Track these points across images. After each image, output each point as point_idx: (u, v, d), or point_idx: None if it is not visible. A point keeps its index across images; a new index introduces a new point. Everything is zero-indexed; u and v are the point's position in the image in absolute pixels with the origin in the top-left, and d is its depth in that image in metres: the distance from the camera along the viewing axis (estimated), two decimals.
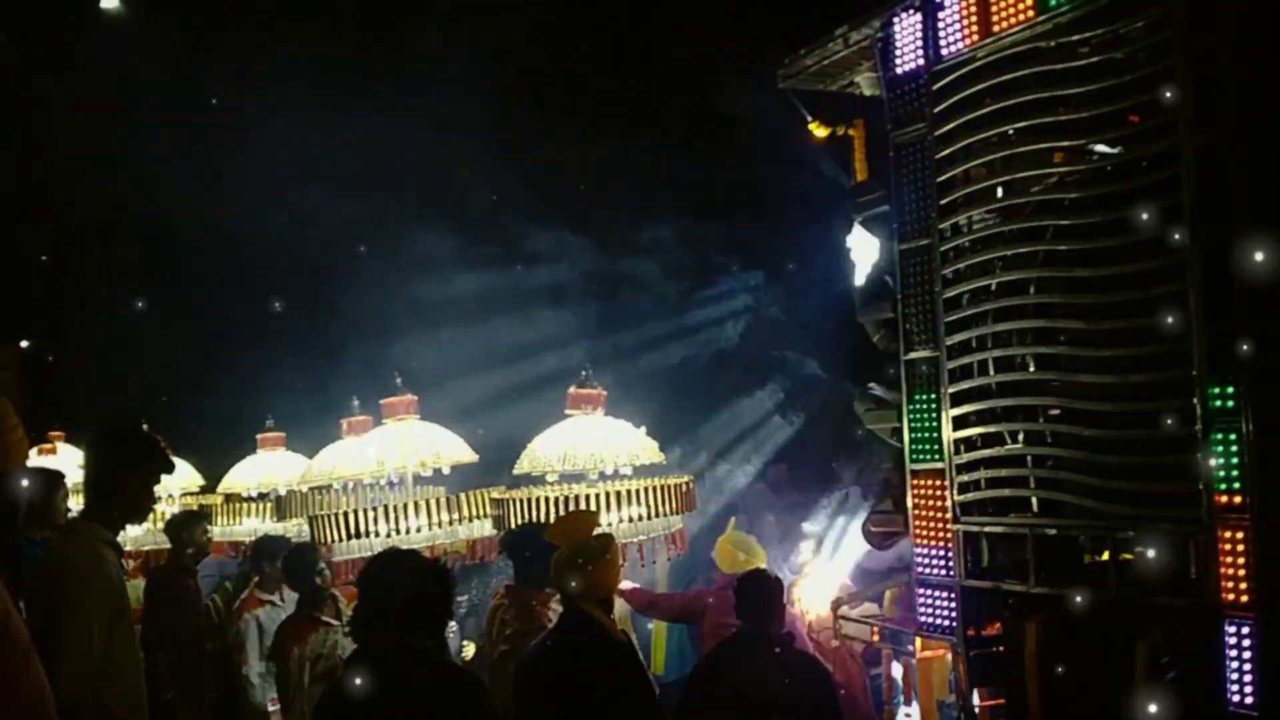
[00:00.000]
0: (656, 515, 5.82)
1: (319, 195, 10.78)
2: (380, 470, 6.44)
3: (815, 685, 4.87)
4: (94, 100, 11.45)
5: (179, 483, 9.09)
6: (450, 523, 6.17)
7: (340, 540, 5.94)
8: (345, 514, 6.03)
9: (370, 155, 10.99)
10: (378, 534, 5.98)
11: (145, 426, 8.80)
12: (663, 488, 5.90)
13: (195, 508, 8.80)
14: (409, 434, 6.58)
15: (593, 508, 5.63)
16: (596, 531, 4.57)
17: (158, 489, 8.55)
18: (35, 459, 8.11)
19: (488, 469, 7.03)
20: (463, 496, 6.28)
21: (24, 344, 13.52)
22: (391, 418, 6.70)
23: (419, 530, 6.09)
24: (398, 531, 6.01)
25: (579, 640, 4.25)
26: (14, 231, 12.15)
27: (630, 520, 5.78)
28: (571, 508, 5.77)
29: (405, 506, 6.10)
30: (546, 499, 5.81)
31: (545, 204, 11.38)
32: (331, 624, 5.76)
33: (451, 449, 6.63)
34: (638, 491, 5.81)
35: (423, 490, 6.72)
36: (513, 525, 5.87)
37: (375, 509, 6.07)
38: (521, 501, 5.88)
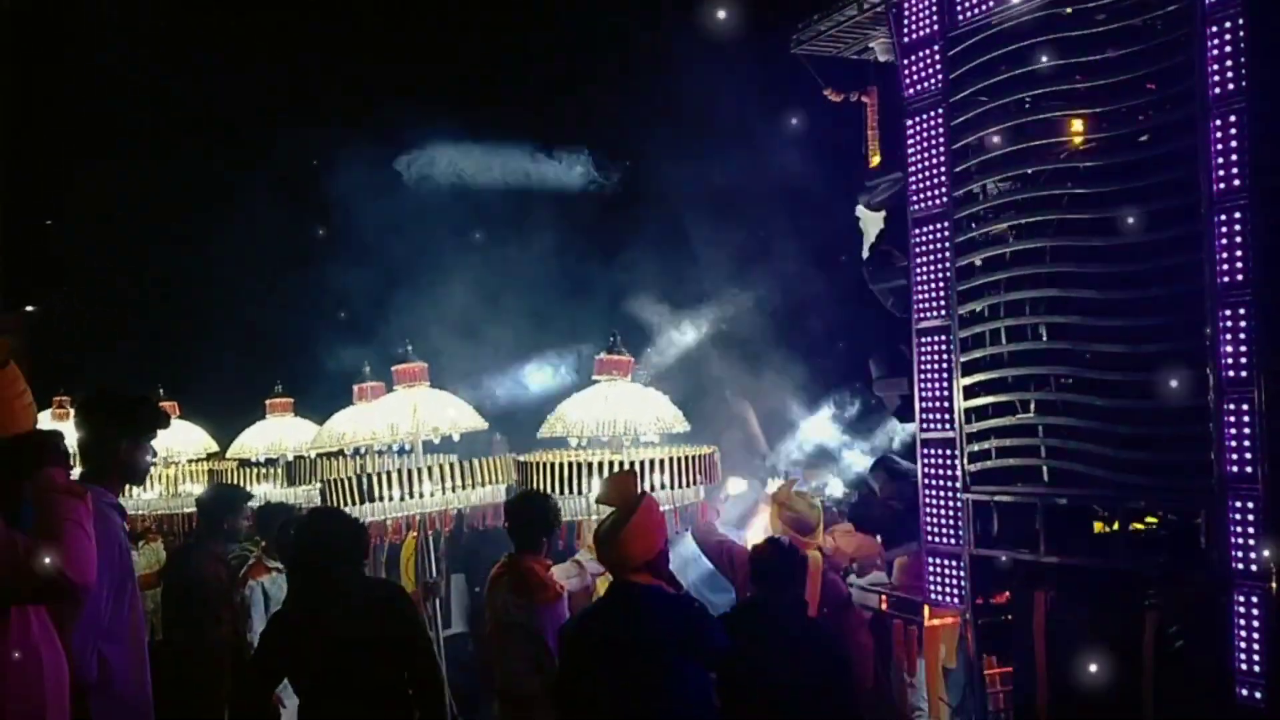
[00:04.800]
0: (682, 485, 5.78)
1: (326, 161, 10.77)
2: (393, 436, 6.43)
3: (831, 655, 4.88)
4: (104, 61, 11.42)
5: (192, 447, 9.11)
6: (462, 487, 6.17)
7: (354, 505, 5.94)
8: (358, 478, 6.03)
9: (376, 119, 10.94)
10: (391, 498, 5.99)
11: (162, 391, 8.89)
12: (688, 458, 5.86)
13: (208, 471, 8.83)
14: (419, 400, 6.57)
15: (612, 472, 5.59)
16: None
17: (168, 453, 8.60)
18: (49, 422, 8.15)
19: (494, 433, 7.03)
20: (475, 462, 6.28)
21: (30, 309, 13.53)
22: (402, 384, 6.70)
23: (431, 495, 6.09)
24: (410, 495, 6.01)
25: (624, 608, 4.24)
26: (20, 195, 12.15)
27: (657, 488, 5.73)
28: (583, 473, 5.75)
29: (418, 471, 6.10)
30: (569, 464, 5.80)
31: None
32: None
33: (461, 416, 6.62)
34: (663, 460, 5.78)
35: (433, 457, 6.72)
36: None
37: (388, 473, 6.07)
38: (546, 466, 5.86)
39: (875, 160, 5.97)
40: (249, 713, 4.69)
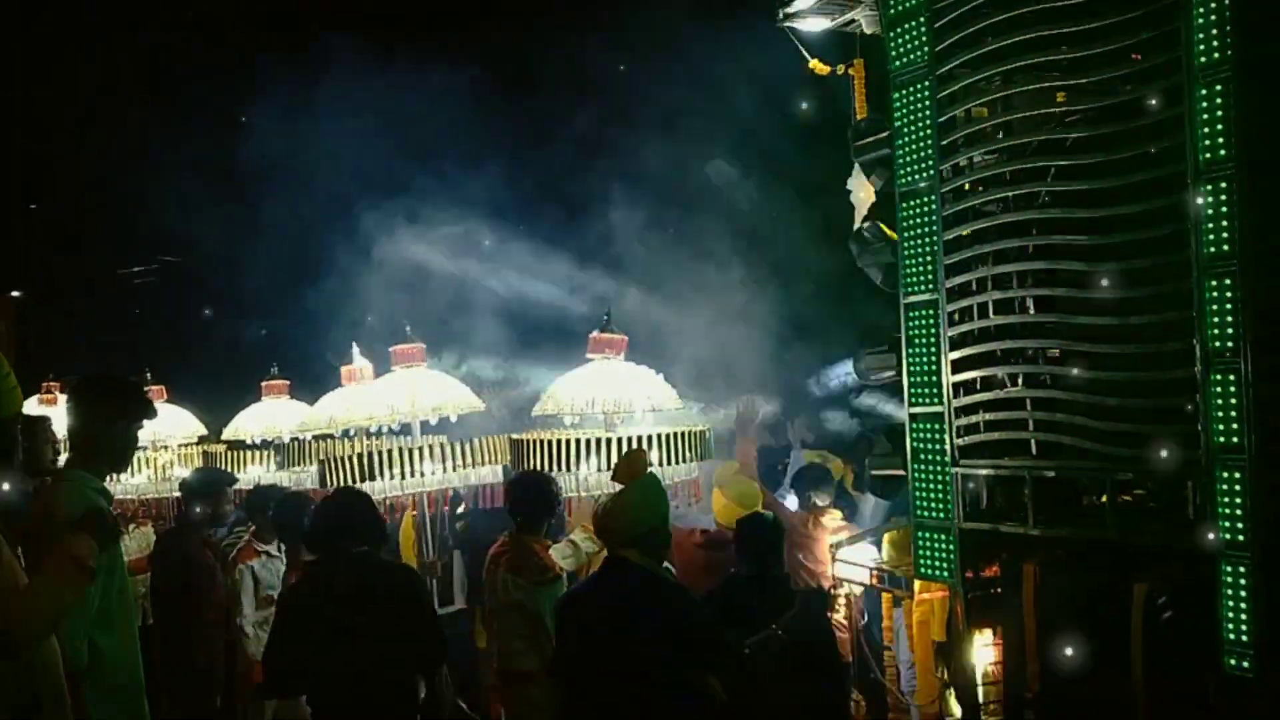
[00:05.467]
0: (673, 462, 5.78)
1: (317, 140, 10.70)
2: (392, 417, 6.43)
3: (812, 624, 4.91)
4: (91, 49, 11.33)
5: (181, 432, 9.10)
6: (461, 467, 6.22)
7: (354, 483, 5.96)
8: (358, 456, 6.04)
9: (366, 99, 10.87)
10: (391, 476, 6.01)
11: (149, 374, 8.87)
12: (680, 435, 5.85)
13: (201, 453, 8.82)
14: (418, 381, 6.58)
15: (613, 452, 5.58)
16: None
17: (156, 438, 8.59)
18: (37, 408, 8.13)
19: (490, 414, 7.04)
20: (475, 442, 6.30)
21: (16, 294, 13.46)
22: (401, 365, 6.69)
23: (431, 474, 6.12)
24: (410, 474, 6.04)
25: (619, 583, 4.24)
26: (6, 181, 12.08)
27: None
28: (574, 451, 5.74)
29: (419, 450, 6.12)
30: (563, 441, 5.80)
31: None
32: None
33: (459, 397, 6.63)
34: (654, 437, 5.77)
35: (426, 437, 6.73)
36: (526, 468, 5.87)
37: (388, 452, 6.09)
38: (539, 444, 5.86)
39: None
40: (280, 688, 4.80)
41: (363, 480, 6.04)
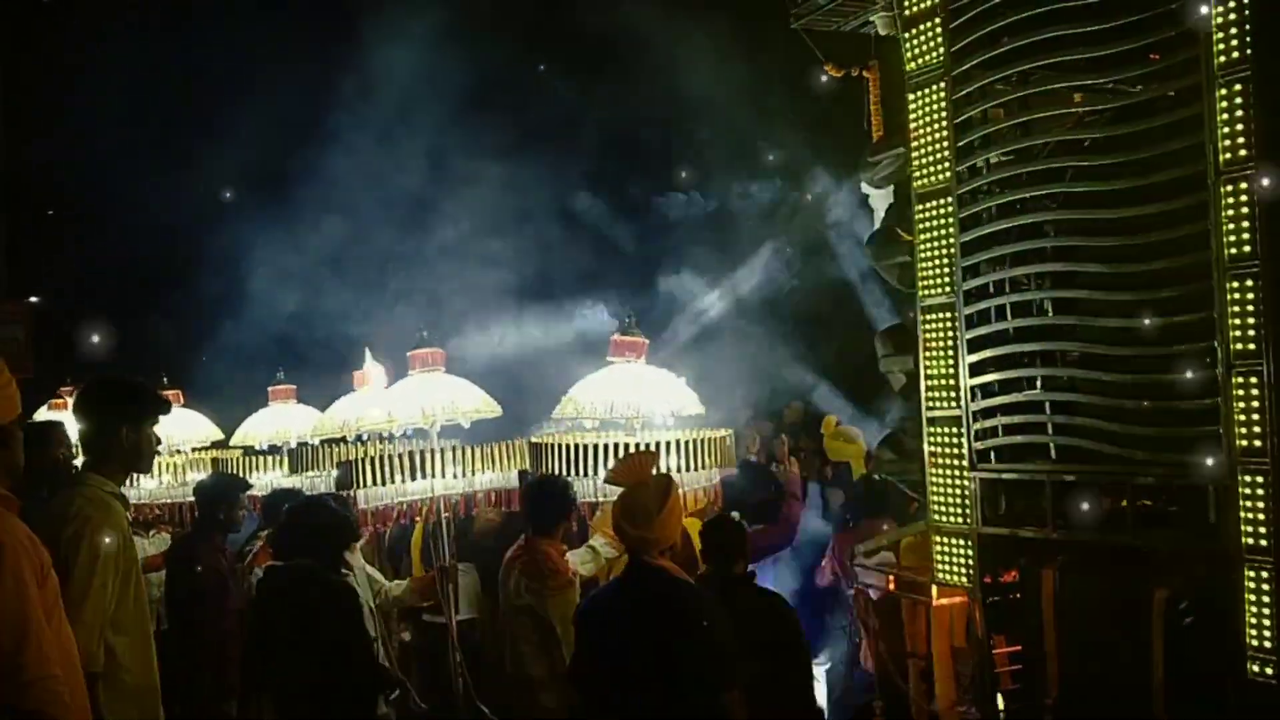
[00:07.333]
0: (694, 468, 5.73)
1: (323, 141, 10.71)
2: (427, 419, 6.42)
3: (780, 624, 4.85)
4: (103, 55, 11.37)
5: (197, 436, 9.09)
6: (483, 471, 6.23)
7: (372, 486, 5.96)
8: (379, 459, 6.03)
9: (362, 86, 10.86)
10: (412, 479, 6.02)
11: (165, 379, 8.87)
12: (702, 441, 5.81)
13: (211, 459, 8.82)
14: (437, 385, 6.57)
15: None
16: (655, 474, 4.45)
17: (170, 442, 8.58)
18: (45, 414, 8.15)
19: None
20: (499, 446, 6.31)
21: (34, 299, 13.50)
22: (418, 369, 6.68)
23: (453, 478, 6.12)
24: (439, 476, 6.05)
25: (643, 589, 4.17)
26: (22, 187, 12.13)
27: (669, 471, 5.68)
28: (597, 455, 5.71)
29: (440, 453, 6.12)
30: (583, 446, 5.77)
31: None
32: (344, 573, 5.75)
33: (478, 402, 6.61)
34: (676, 443, 5.73)
35: (444, 443, 6.72)
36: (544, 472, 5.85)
37: (411, 455, 6.08)
38: (558, 447, 5.83)
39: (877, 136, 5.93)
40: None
41: (385, 483, 6.04)
